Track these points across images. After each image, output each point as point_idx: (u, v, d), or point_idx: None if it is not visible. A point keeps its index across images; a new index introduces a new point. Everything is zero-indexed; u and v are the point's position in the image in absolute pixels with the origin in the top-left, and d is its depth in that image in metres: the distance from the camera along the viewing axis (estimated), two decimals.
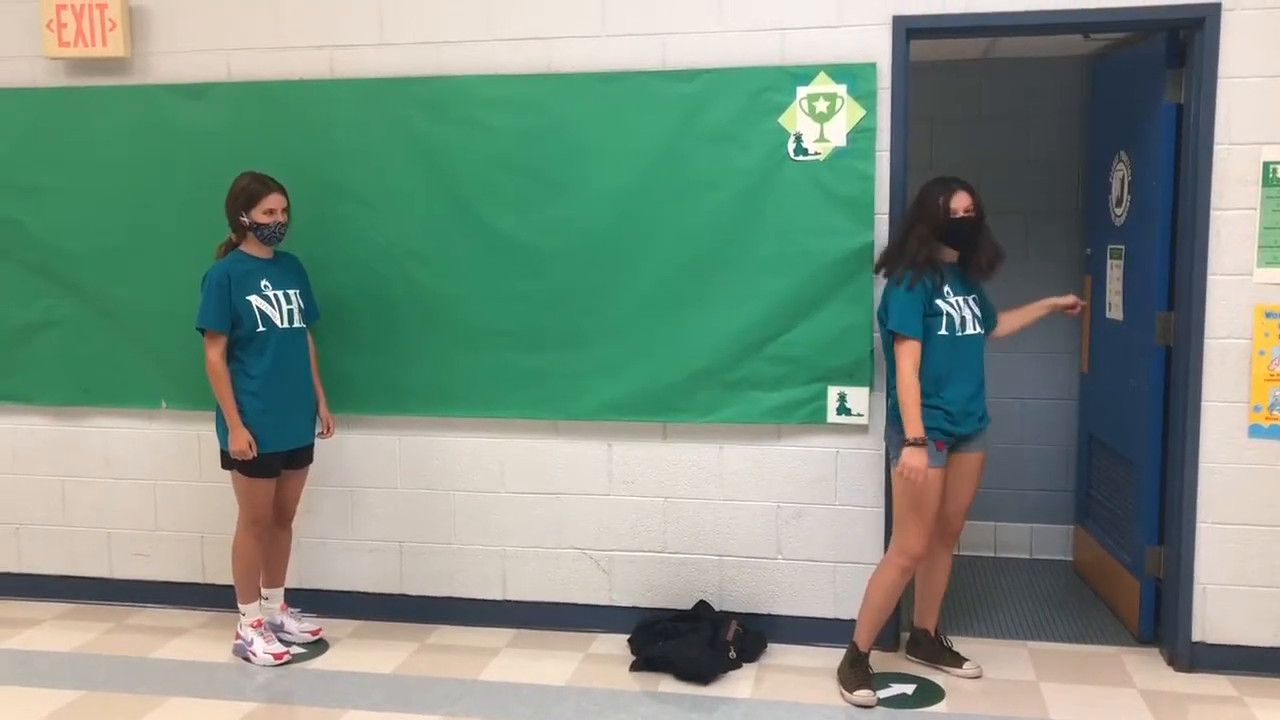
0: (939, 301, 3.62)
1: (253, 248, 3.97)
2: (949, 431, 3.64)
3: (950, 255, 3.68)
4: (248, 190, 3.90)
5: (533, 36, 4.11)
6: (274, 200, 3.91)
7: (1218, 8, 3.67)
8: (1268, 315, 3.74)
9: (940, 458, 3.62)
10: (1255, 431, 3.79)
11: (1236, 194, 3.72)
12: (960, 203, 3.61)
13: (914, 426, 3.53)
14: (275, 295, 3.95)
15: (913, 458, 3.50)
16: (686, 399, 4.12)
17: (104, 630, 4.43)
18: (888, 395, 3.76)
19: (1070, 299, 3.97)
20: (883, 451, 3.98)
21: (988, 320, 3.83)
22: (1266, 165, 3.70)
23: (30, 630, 4.44)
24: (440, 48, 4.18)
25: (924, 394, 3.60)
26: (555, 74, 4.09)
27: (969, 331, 3.67)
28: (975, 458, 3.79)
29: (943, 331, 3.62)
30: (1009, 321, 3.96)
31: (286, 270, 4.05)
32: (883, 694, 3.72)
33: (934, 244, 3.62)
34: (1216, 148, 3.71)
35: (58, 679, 3.95)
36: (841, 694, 3.72)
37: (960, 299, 3.67)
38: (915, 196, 3.70)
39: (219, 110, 4.31)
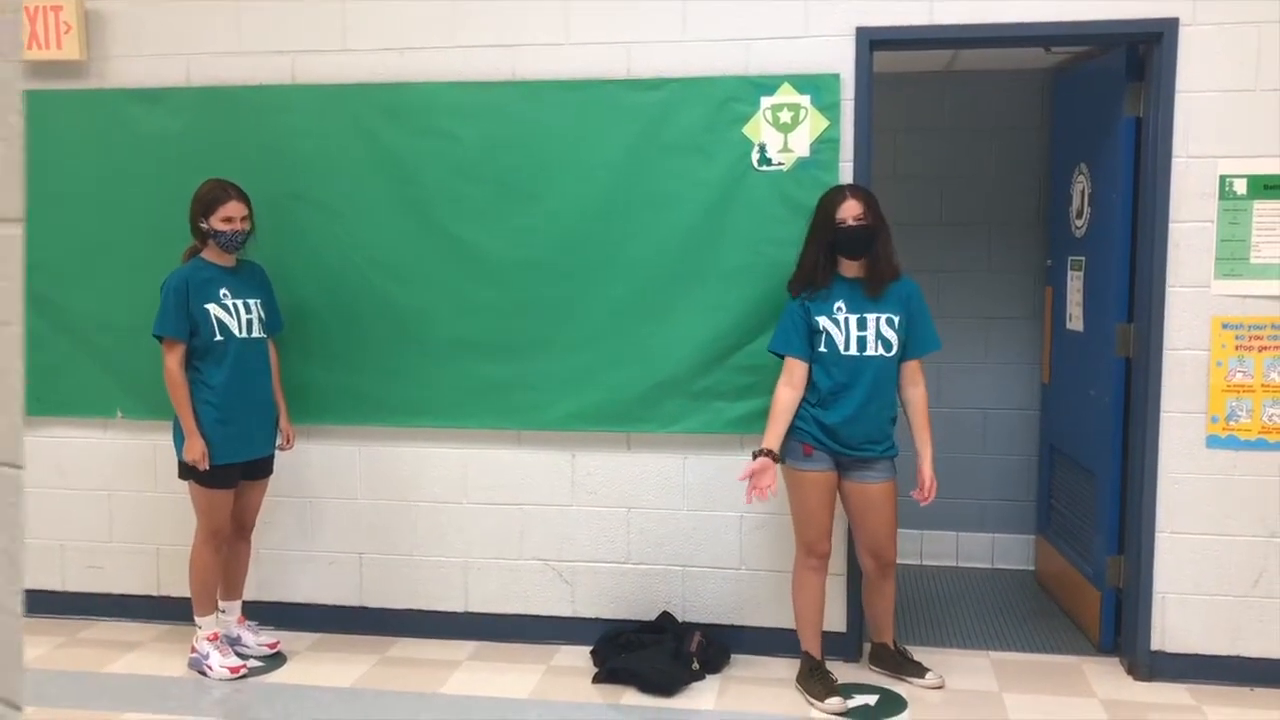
0: (820, 318, 3.60)
1: (214, 255, 3.91)
2: (821, 440, 3.64)
3: (851, 269, 3.65)
4: (208, 196, 3.85)
5: (496, 44, 4.09)
6: (233, 208, 3.85)
7: (1176, 23, 3.71)
8: (1224, 327, 3.78)
9: (812, 461, 3.64)
10: (1213, 442, 3.82)
11: (1194, 207, 3.76)
12: (849, 211, 3.58)
13: (767, 438, 3.61)
14: (234, 304, 3.90)
15: (754, 469, 3.56)
16: (651, 409, 4.10)
17: (56, 644, 4.34)
18: None
19: (924, 489, 3.71)
20: None
21: (915, 347, 3.69)
22: (1223, 178, 3.74)
23: None
24: (403, 54, 4.14)
25: (805, 402, 3.64)
26: (519, 81, 4.07)
27: (867, 352, 3.61)
28: (878, 489, 3.68)
29: (822, 349, 3.62)
30: (914, 407, 3.77)
31: (248, 279, 4.00)
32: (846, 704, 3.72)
33: (827, 256, 3.61)
34: (1174, 161, 3.75)
35: None
36: (811, 704, 3.71)
37: (855, 317, 3.61)
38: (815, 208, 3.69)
39: (178, 116, 4.25)
